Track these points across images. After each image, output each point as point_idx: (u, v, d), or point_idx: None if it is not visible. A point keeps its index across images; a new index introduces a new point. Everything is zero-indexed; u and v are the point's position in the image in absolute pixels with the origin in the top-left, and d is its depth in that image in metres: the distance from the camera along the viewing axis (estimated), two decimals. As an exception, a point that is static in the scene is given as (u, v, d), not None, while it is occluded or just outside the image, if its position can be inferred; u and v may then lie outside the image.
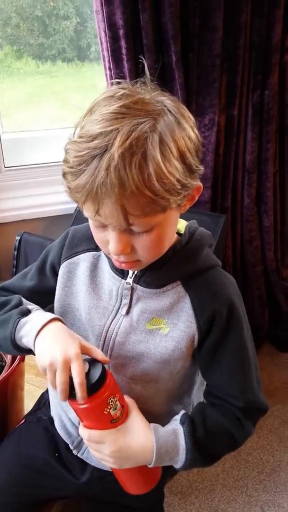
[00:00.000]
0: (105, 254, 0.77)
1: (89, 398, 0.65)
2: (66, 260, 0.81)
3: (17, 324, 0.74)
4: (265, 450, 1.57)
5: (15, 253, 1.59)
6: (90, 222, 0.68)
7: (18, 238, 1.58)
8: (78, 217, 1.61)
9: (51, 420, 0.90)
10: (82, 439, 0.81)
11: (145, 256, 0.67)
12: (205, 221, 1.46)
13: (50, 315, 0.73)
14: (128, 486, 0.76)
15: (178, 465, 0.73)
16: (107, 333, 0.75)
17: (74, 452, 0.85)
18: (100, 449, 0.70)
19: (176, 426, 0.73)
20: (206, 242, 0.76)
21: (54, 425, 0.89)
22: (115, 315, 0.76)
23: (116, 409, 0.68)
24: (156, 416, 0.75)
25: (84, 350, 0.67)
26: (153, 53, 1.38)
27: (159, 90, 0.65)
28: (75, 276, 0.80)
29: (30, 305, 0.80)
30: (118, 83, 0.66)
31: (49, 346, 0.68)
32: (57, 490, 0.90)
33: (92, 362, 0.68)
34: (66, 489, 0.89)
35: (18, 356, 0.98)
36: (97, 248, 0.79)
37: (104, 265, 0.78)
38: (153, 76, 0.68)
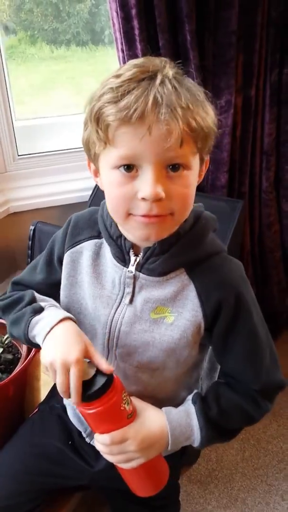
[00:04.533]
0: (108, 240, 0.74)
1: (105, 396, 0.65)
2: (69, 249, 0.79)
3: (29, 323, 0.74)
4: (285, 439, 1.54)
5: (30, 242, 1.58)
6: (115, 175, 0.64)
7: (32, 227, 1.56)
8: (92, 205, 1.59)
9: (64, 408, 0.90)
10: None
11: (178, 206, 0.64)
12: (222, 207, 1.43)
13: (61, 315, 0.72)
14: (136, 488, 0.76)
15: (195, 444, 0.73)
16: (112, 322, 0.74)
17: (87, 440, 0.85)
18: (124, 448, 0.69)
19: (188, 406, 0.74)
20: (211, 226, 0.74)
21: (67, 413, 0.89)
22: (119, 304, 0.74)
23: (129, 403, 0.69)
24: (165, 402, 0.75)
25: (87, 355, 0.67)
26: (167, 33, 1.33)
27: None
28: (79, 266, 0.78)
29: (43, 302, 0.79)
30: None
31: (53, 347, 0.68)
32: (72, 479, 0.90)
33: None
34: (80, 477, 0.89)
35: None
36: (99, 235, 0.77)
37: (107, 252, 0.76)
38: (167, 57, 0.67)
